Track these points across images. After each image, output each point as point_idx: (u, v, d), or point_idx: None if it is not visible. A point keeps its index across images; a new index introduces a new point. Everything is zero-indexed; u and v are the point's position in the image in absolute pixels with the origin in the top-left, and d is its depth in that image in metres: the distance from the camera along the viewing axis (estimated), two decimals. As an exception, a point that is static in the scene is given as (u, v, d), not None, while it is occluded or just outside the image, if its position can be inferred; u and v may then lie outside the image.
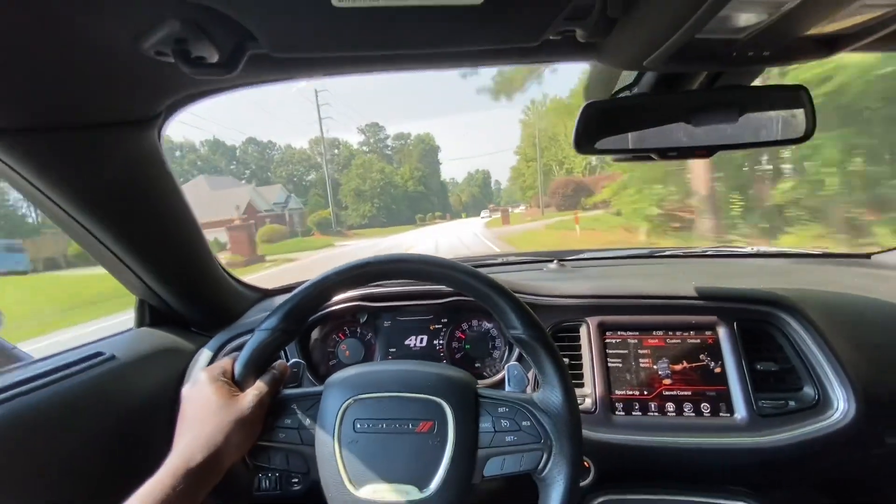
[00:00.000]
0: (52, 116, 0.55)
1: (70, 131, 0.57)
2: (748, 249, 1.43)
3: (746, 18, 0.53)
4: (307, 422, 0.60)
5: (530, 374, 0.78)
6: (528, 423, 0.57)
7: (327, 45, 0.53)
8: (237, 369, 0.60)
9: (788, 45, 0.59)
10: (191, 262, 0.89)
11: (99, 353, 0.78)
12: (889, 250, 1.26)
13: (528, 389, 0.65)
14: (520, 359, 0.91)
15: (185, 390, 0.59)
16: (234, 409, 0.55)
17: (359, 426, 0.57)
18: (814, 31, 0.57)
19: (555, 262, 1.33)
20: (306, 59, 0.59)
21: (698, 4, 0.45)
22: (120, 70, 0.53)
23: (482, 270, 0.61)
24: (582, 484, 0.81)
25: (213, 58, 0.50)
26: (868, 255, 1.29)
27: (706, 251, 1.43)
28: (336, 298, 0.97)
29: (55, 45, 0.47)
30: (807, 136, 0.69)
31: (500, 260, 1.44)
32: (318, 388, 0.62)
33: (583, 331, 0.91)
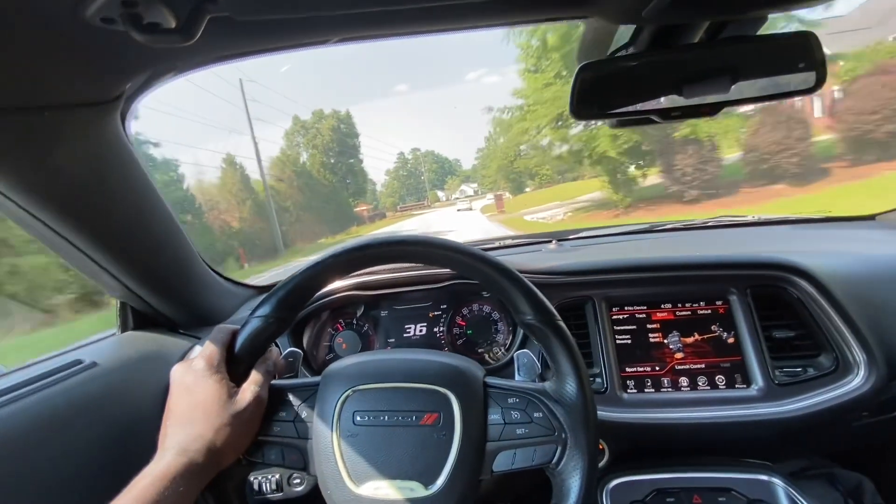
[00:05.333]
0: None
1: (17, 113, 0.51)
2: (749, 218, 1.39)
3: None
4: (304, 414, 0.56)
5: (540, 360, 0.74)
6: (541, 415, 0.53)
7: (296, 5, 0.47)
8: (234, 356, 0.56)
9: None
10: (170, 259, 0.83)
11: (78, 361, 0.73)
12: (893, 210, 1.23)
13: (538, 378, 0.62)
14: (523, 343, 0.87)
15: (177, 373, 0.54)
16: (234, 408, 0.52)
17: (359, 419, 0.54)
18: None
19: (553, 242, 1.29)
20: (277, 24, 0.54)
21: None
22: (66, 43, 0.48)
23: None
24: None
25: (169, 23, 0.45)
26: (872, 216, 1.26)
27: (707, 222, 1.39)
28: (330, 288, 0.92)
29: None
30: (818, 84, 0.65)
31: (497, 243, 1.40)
32: (316, 379, 0.58)
33: (588, 308, 0.87)
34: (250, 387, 0.54)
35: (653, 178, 12.59)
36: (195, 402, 0.52)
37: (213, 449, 0.49)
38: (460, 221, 22.83)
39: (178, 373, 0.55)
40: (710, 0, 0.55)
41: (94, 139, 0.61)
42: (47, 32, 0.46)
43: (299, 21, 0.53)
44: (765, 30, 0.71)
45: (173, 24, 0.45)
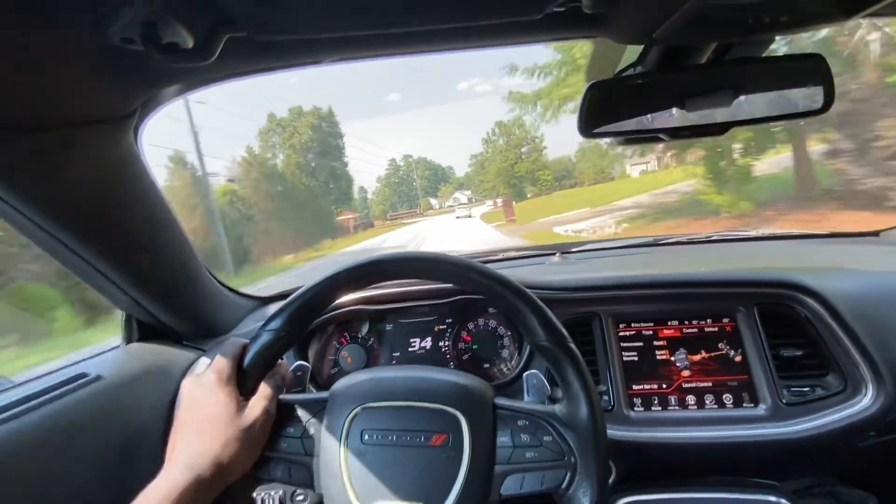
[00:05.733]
0: (12, 116, 0.50)
1: (33, 132, 0.51)
2: (753, 233, 1.39)
3: (764, -20, 0.50)
4: (312, 430, 0.56)
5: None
6: (551, 439, 0.53)
7: (312, 26, 0.48)
8: (244, 369, 0.55)
9: (806, 7, 0.55)
10: (178, 271, 0.83)
11: (83, 375, 0.73)
12: None
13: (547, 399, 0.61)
14: (530, 360, 0.87)
15: (188, 388, 0.54)
16: (243, 422, 0.51)
17: (367, 437, 0.53)
18: (833, -9, 0.53)
19: (557, 254, 1.29)
20: (291, 43, 0.54)
21: None
22: (85, 62, 0.48)
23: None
24: None
25: (188, 43, 0.46)
26: (877, 233, 1.27)
27: (711, 236, 1.39)
28: (336, 302, 0.92)
29: (9, 36, 0.42)
30: (826, 107, 0.65)
31: (500, 255, 1.40)
32: (324, 395, 0.58)
33: (595, 324, 0.87)
34: (259, 401, 0.54)
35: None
36: (204, 416, 0.51)
37: (220, 464, 0.49)
38: (461, 232, 19.74)
39: (188, 386, 0.54)
40: (720, 23, 0.56)
41: (108, 154, 0.61)
42: (67, 52, 0.46)
43: (314, 40, 0.54)
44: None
45: (191, 45, 0.46)
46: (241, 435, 0.50)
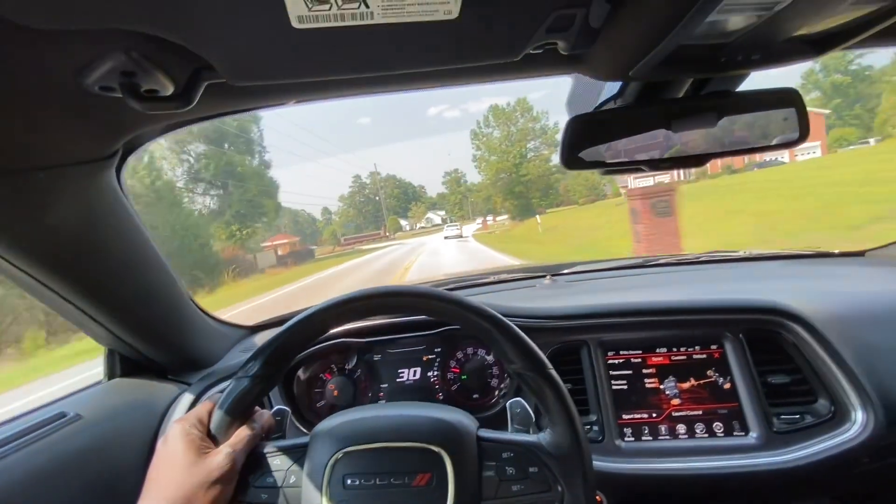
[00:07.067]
0: None
1: (12, 174, 0.51)
2: (741, 253, 1.41)
3: (734, 22, 0.51)
4: (292, 479, 0.54)
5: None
6: (536, 470, 0.52)
7: (290, 70, 0.49)
8: (213, 421, 0.55)
9: (778, 47, 0.57)
10: (161, 306, 0.82)
11: (62, 414, 0.71)
12: (883, 246, 1.25)
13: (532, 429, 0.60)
14: (518, 389, 0.86)
15: (159, 444, 0.54)
16: (201, 470, 0.50)
17: (349, 482, 0.52)
18: (803, 31, 0.55)
19: (547, 277, 1.29)
20: (269, 87, 0.55)
21: (684, 12, 0.42)
22: (64, 107, 0.48)
23: (474, 291, 0.57)
24: None
25: (167, 90, 0.46)
26: (862, 253, 1.28)
27: (699, 257, 1.40)
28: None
29: None
30: (801, 138, 0.67)
31: (492, 278, 1.40)
32: (304, 440, 0.57)
33: (583, 353, 0.87)
34: (224, 448, 0.52)
35: None
36: (166, 467, 0.51)
37: None
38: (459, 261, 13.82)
39: (159, 443, 0.54)
40: (693, 61, 0.57)
41: (89, 195, 0.61)
42: (48, 98, 0.46)
43: (294, 84, 0.55)
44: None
45: (171, 91, 0.46)
46: (198, 481, 0.49)
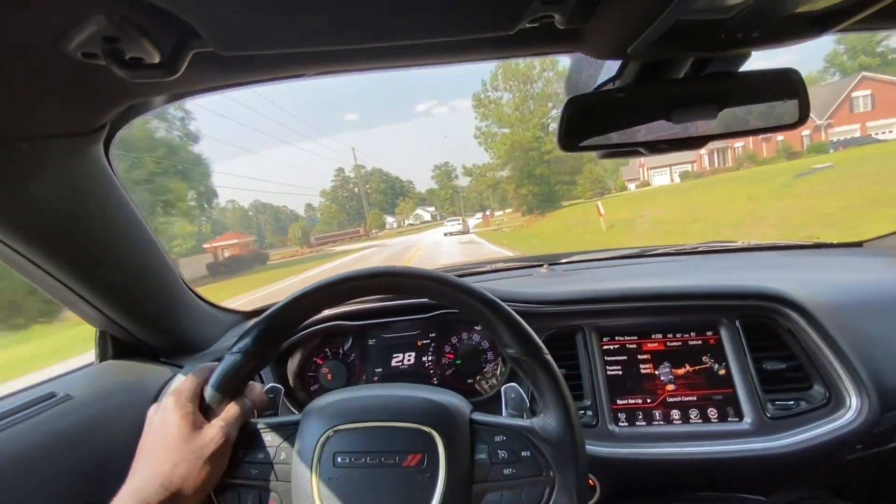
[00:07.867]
0: None
1: None
2: (739, 244, 1.40)
3: (735, -4, 0.50)
4: (282, 455, 0.54)
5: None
6: (528, 454, 0.51)
7: (281, 40, 0.47)
8: (206, 394, 0.54)
9: (778, 24, 0.56)
10: (152, 287, 0.81)
11: (52, 395, 0.70)
12: (880, 237, 1.24)
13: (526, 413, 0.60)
14: (512, 374, 0.85)
15: (150, 413, 0.54)
16: (195, 443, 0.49)
17: (339, 460, 0.51)
18: (805, 7, 0.54)
19: (545, 266, 1.29)
20: (260, 58, 0.54)
21: None
22: (47, 76, 0.47)
23: (471, 280, 0.56)
24: None
25: (153, 58, 0.45)
26: (860, 243, 1.27)
27: (697, 247, 1.40)
28: (314, 318, 0.91)
29: None
30: (801, 120, 0.66)
31: (489, 267, 1.39)
32: (296, 417, 0.56)
33: (579, 338, 0.86)
34: (217, 423, 0.52)
35: None
36: (157, 439, 0.50)
37: (168, 487, 0.47)
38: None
39: (150, 412, 0.54)
40: (692, 38, 0.56)
41: (76, 169, 0.60)
42: (27, 66, 0.45)
43: (284, 55, 0.54)
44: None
45: (157, 60, 0.45)
46: (191, 456, 0.49)
